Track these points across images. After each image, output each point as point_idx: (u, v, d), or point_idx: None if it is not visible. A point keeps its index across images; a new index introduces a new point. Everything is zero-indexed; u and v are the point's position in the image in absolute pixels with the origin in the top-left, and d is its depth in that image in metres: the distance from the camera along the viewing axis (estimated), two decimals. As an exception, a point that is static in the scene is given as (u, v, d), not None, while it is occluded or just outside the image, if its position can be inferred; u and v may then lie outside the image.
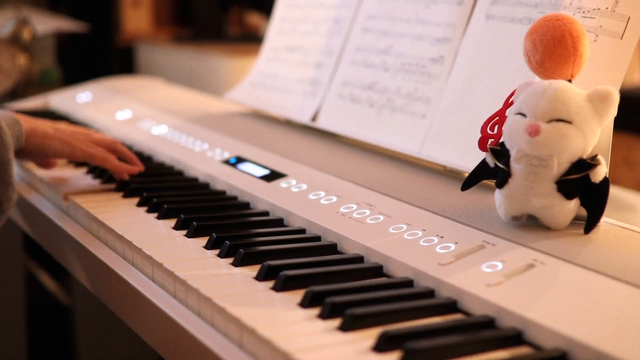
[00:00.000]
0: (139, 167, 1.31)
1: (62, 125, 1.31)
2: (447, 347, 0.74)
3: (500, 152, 0.96)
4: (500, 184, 0.94)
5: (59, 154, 1.27)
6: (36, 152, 1.26)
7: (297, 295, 0.86)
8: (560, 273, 0.83)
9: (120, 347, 1.99)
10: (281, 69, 1.67)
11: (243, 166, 1.31)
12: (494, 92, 1.16)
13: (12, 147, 1.10)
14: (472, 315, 0.82)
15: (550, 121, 0.91)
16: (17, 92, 2.34)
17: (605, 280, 0.81)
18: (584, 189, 0.92)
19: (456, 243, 0.92)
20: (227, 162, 1.34)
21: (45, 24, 2.86)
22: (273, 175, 1.24)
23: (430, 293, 0.86)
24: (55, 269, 2.51)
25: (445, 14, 1.30)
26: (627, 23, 1.02)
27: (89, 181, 1.34)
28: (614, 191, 1.01)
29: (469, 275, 0.85)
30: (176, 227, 1.09)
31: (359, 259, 0.97)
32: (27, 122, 1.25)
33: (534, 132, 0.91)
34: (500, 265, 0.86)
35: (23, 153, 1.26)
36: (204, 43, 3.26)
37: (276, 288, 0.89)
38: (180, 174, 1.37)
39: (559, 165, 0.91)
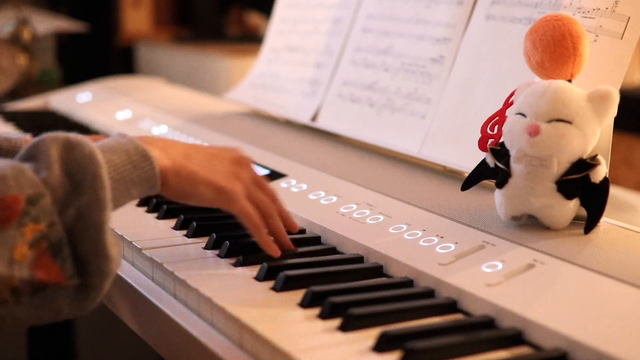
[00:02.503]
0: (288, 245, 0.99)
1: (203, 152, 0.96)
2: (447, 347, 0.74)
3: (500, 152, 0.96)
4: (500, 184, 0.94)
5: (208, 204, 0.95)
6: (178, 197, 0.93)
7: (297, 295, 0.86)
8: (560, 273, 0.83)
9: (120, 347, 1.99)
10: (281, 69, 1.67)
11: (243, 166, 1.31)
12: (494, 92, 1.16)
13: (109, 205, 0.81)
14: (472, 315, 0.82)
15: (550, 121, 0.91)
16: (17, 92, 2.34)
17: (605, 280, 0.81)
18: (584, 189, 0.92)
19: (456, 243, 0.92)
20: (227, 162, 1.34)
21: (45, 24, 2.86)
22: (273, 175, 1.24)
23: (430, 293, 0.86)
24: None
25: (445, 14, 1.30)
26: (627, 23, 1.02)
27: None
28: (614, 191, 1.01)
29: (469, 275, 0.85)
30: (176, 227, 1.09)
31: (359, 259, 0.97)
32: (166, 157, 0.90)
33: (534, 132, 0.91)
34: (500, 265, 0.86)
35: (163, 194, 0.93)
36: (204, 43, 3.26)
37: (276, 288, 0.89)
38: (180, 174, 1.37)
39: (559, 165, 0.91)
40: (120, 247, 0.84)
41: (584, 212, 0.93)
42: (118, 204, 0.86)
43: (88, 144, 0.82)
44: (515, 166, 0.93)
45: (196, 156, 0.94)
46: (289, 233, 1.00)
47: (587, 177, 0.92)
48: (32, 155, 0.81)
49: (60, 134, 0.82)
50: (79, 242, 0.79)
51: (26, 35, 2.42)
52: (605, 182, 0.92)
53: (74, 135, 0.83)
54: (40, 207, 0.77)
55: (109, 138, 0.89)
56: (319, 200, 1.12)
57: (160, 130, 1.59)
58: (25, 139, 1.21)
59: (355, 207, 1.07)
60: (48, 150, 0.80)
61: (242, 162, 0.98)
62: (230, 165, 0.96)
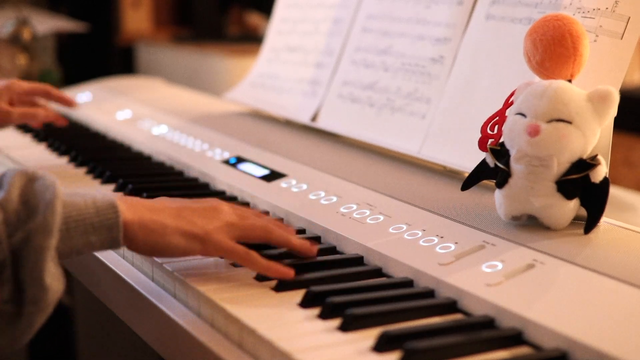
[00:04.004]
0: (288, 272, 0.90)
1: (176, 202, 0.93)
2: (447, 347, 0.74)
3: (500, 152, 0.96)
4: (500, 184, 0.94)
5: (184, 254, 0.90)
6: (150, 252, 0.89)
7: (297, 295, 0.86)
8: (560, 273, 0.83)
9: (120, 347, 1.99)
10: (281, 69, 1.67)
11: (243, 166, 1.31)
12: (494, 92, 1.16)
13: (54, 232, 0.79)
14: (472, 315, 0.82)
15: (550, 121, 0.91)
16: (17, 92, 2.33)
17: (605, 280, 0.81)
18: (584, 189, 0.92)
19: (456, 243, 0.92)
20: (227, 162, 1.34)
21: (45, 24, 2.86)
22: (273, 175, 1.24)
23: (430, 293, 0.86)
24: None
25: (445, 14, 1.30)
26: (627, 23, 1.02)
27: (89, 180, 1.34)
28: (614, 191, 1.01)
29: (469, 275, 0.85)
30: (176, 227, 1.09)
31: (359, 259, 0.97)
32: (132, 211, 0.87)
33: (534, 132, 0.91)
34: (500, 265, 0.86)
35: (136, 250, 0.89)
36: (204, 43, 3.26)
37: (276, 288, 0.89)
38: (180, 174, 1.37)
39: (559, 165, 0.91)
40: (62, 283, 0.81)
41: (584, 212, 0.93)
42: (74, 247, 0.83)
43: (51, 179, 0.82)
44: (515, 166, 0.93)
45: (165, 210, 0.90)
46: None
47: (587, 177, 0.92)
48: None
49: (30, 170, 0.83)
50: (20, 267, 0.78)
51: (26, 35, 2.42)
52: (605, 182, 0.92)
53: (42, 172, 0.83)
54: None
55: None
56: (319, 200, 1.12)
57: (160, 130, 1.59)
58: None
59: (355, 207, 1.07)
60: (12, 178, 0.82)
61: (216, 208, 0.93)
62: (202, 212, 0.91)
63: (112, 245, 0.86)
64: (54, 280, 0.79)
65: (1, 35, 2.41)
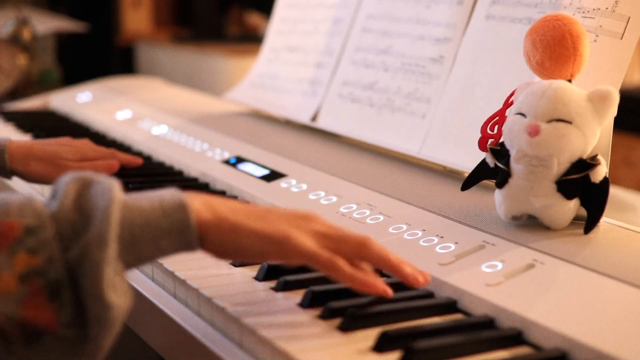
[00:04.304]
0: (383, 289, 0.81)
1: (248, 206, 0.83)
2: (447, 347, 0.74)
3: (500, 152, 0.96)
4: (500, 184, 0.94)
5: (261, 257, 0.82)
6: (223, 253, 0.80)
7: (297, 295, 0.86)
8: (560, 273, 0.83)
9: (120, 347, 1.99)
10: (281, 69, 1.67)
11: (243, 166, 1.31)
12: (494, 92, 1.16)
13: (111, 242, 0.71)
14: (472, 315, 0.82)
15: (550, 121, 0.91)
16: (17, 92, 2.34)
17: (605, 280, 0.81)
18: (584, 189, 0.92)
19: (456, 243, 0.92)
20: (227, 162, 1.34)
21: (45, 24, 2.86)
22: (273, 175, 1.24)
23: (430, 293, 0.86)
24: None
25: (445, 14, 1.30)
26: (627, 23, 1.02)
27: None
28: (614, 191, 1.01)
29: (469, 275, 0.85)
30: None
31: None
32: (207, 210, 0.78)
33: (533, 132, 0.91)
34: (500, 265, 0.86)
35: (209, 252, 0.80)
36: (204, 43, 3.26)
37: (276, 288, 0.89)
38: (180, 174, 1.37)
39: (559, 165, 0.91)
40: (129, 297, 0.73)
41: (584, 212, 0.93)
42: (143, 255, 0.75)
43: (108, 182, 0.75)
44: (515, 166, 0.93)
45: (247, 210, 0.81)
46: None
47: (587, 177, 0.92)
48: (53, 193, 0.75)
49: (87, 174, 0.76)
50: (79, 285, 0.71)
51: (26, 35, 2.42)
52: (605, 182, 0.92)
53: (99, 175, 0.76)
54: (39, 239, 0.70)
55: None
56: (319, 200, 1.12)
57: (160, 130, 1.59)
58: (11, 140, 1.23)
59: (355, 207, 1.07)
60: (66, 186, 0.74)
61: (309, 216, 0.83)
62: (290, 217, 0.81)
63: (187, 247, 0.77)
64: (118, 295, 0.72)
65: (1, 35, 2.41)
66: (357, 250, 0.81)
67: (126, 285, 0.74)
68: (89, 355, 0.72)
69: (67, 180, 0.75)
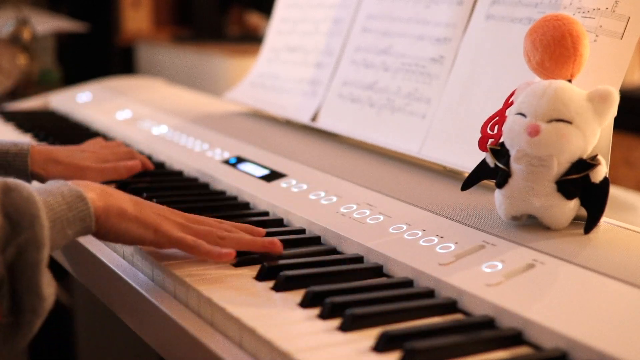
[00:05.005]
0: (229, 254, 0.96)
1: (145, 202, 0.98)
2: (447, 347, 0.74)
3: (500, 152, 0.96)
4: (500, 184, 0.94)
5: (139, 241, 0.95)
6: (109, 237, 0.94)
7: (297, 295, 0.86)
8: (560, 273, 0.83)
9: (120, 347, 1.99)
10: (281, 69, 1.67)
11: (243, 166, 1.31)
12: (494, 92, 1.16)
13: (46, 244, 0.82)
14: (472, 315, 0.82)
15: (550, 121, 0.91)
16: (17, 92, 2.34)
17: (605, 280, 0.81)
18: (584, 189, 0.92)
19: (456, 243, 0.92)
20: (227, 162, 1.34)
21: (45, 24, 2.86)
22: (273, 175, 1.24)
23: (430, 293, 0.86)
24: (55, 268, 2.51)
25: (445, 14, 1.30)
26: (627, 23, 1.02)
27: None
28: (614, 191, 1.01)
29: (469, 275, 0.85)
30: (176, 227, 1.09)
31: (359, 259, 0.97)
32: (100, 199, 0.92)
33: (534, 132, 0.91)
34: (500, 265, 0.86)
35: (96, 235, 0.95)
36: (204, 43, 3.26)
37: (276, 288, 0.89)
38: (180, 174, 1.37)
39: (559, 165, 0.91)
40: (54, 286, 0.83)
41: (584, 212, 0.93)
42: (55, 244, 0.85)
43: (26, 187, 0.83)
44: (515, 166, 0.93)
45: (129, 199, 0.95)
46: (287, 240, 1.00)
47: (587, 177, 0.92)
48: None
49: (1, 180, 0.84)
50: (16, 280, 0.80)
51: (26, 35, 2.42)
52: (605, 182, 0.92)
53: (12, 180, 0.84)
54: None
55: (45, 184, 0.90)
56: (319, 200, 1.12)
57: (160, 130, 1.59)
58: (32, 145, 1.23)
59: (355, 207, 1.07)
60: None
61: (171, 210, 0.99)
62: (160, 209, 0.97)
63: (86, 232, 0.90)
64: (49, 287, 0.82)
65: (1, 35, 2.41)
66: (211, 240, 0.96)
67: (50, 275, 0.83)
68: (21, 339, 0.81)
69: None
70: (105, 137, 1.65)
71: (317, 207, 1.10)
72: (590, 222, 0.92)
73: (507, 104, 1.01)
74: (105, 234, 0.93)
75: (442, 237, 0.94)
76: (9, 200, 0.82)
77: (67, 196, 0.88)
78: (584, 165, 0.91)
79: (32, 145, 1.23)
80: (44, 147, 1.25)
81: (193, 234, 0.96)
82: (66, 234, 0.87)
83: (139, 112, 1.75)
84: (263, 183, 1.22)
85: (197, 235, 0.96)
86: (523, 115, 0.93)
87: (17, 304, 0.80)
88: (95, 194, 0.91)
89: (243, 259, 0.96)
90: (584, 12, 1.06)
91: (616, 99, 0.93)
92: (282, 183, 1.20)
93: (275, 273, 0.90)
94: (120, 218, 0.92)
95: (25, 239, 0.80)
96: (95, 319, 2.04)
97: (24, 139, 1.60)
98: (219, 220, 1.02)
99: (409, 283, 0.89)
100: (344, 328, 0.78)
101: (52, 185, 0.89)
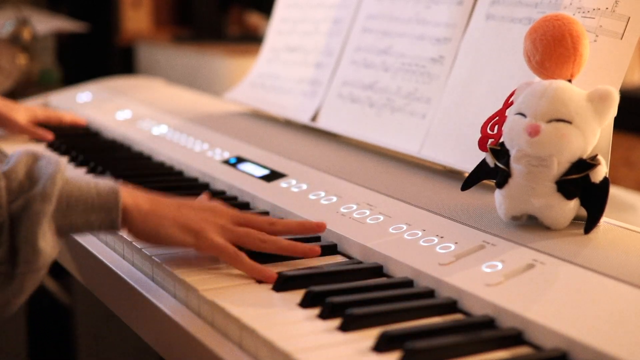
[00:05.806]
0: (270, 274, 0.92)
1: (185, 202, 0.98)
2: (447, 347, 0.74)
3: (500, 152, 0.96)
4: (500, 184, 0.94)
5: (181, 245, 0.95)
6: (151, 240, 0.95)
7: (297, 295, 0.86)
8: (560, 273, 0.83)
9: (120, 347, 1.99)
10: (281, 69, 1.67)
11: (243, 166, 1.31)
12: (494, 92, 1.16)
13: (53, 199, 0.84)
14: (472, 315, 0.82)
15: (550, 121, 0.91)
16: (17, 92, 2.34)
17: (605, 280, 0.81)
18: (584, 189, 0.92)
19: (456, 243, 0.92)
20: (227, 162, 1.34)
21: (45, 24, 2.85)
22: (273, 175, 1.24)
23: (430, 293, 0.86)
24: (55, 268, 2.51)
25: (445, 14, 1.30)
26: (627, 23, 1.02)
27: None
28: (614, 191, 1.01)
29: (469, 275, 0.85)
30: (176, 227, 1.09)
31: (359, 260, 0.97)
32: (132, 199, 0.93)
33: (533, 132, 0.91)
34: (500, 265, 0.86)
35: (137, 236, 0.96)
36: (204, 43, 3.26)
37: (276, 288, 0.89)
38: (180, 174, 1.37)
39: (559, 165, 0.91)
40: (56, 250, 0.86)
41: (584, 212, 0.93)
42: (74, 224, 0.88)
43: (56, 158, 0.89)
44: (515, 166, 0.93)
45: (164, 202, 0.96)
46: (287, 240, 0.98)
47: (587, 177, 0.92)
48: (7, 161, 0.88)
49: (37, 151, 0.89)
50: (17, 231, 0.83)
51: (26, 35, 2.42)
52: (605, 182, 0.92)
53: (49, 153, 0.89)
54: None
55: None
56: (319, 200, 1.12)
57: (160, 130, 1.59)
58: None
59: (355, 207, 1.07)
60: (19, 156, 0.88)
61: (214, 209, 0.98)
62: (200, 211, 0.97)
63: (111, 226, 0.91)
64: (47, 244, 0.85)
65: (1, 35, 2.41)
66: (254, 246, 0.95)
67: (55, 241, 0.86)
68: (14, 292, 0.84)
69: (21, 152, 0.89)
70: (105, 137, 1.65)
71: (317, 207, 1.10)
72: (590, 222, 0.92)
73: (507, 104, 1.01)
74: (142, 235, 0.94)
75: (442, 237, 0.94)
76: (36, 165, 0.87)
77: (101, 186, 0.90)
78: (584, 165, 0.91)
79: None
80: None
81: (234, 238, 0.95)
82: (89, 218, 0.89)
83: (139, 112, 1.75)
84: (263, 183, 1.22)
85: (239, 238, 0.95)
86: (523, 115, 0.93)
87: (14, 256, 0.83)
88: (130, 193, 0.92)
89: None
90: (584, 12, 1.06)
91: (616, 99, 0.93)
92: (282, 183, 1.20)
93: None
94: (160, 222, 0.93)
95: (34, 193, 0.84)
96: (95, 319, 2.04)
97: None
98: (269, 219, 1.00)
99: (409, 283, 0.89)
100: (344, 328, 0.78)
101: (96, 178, 0.93)
